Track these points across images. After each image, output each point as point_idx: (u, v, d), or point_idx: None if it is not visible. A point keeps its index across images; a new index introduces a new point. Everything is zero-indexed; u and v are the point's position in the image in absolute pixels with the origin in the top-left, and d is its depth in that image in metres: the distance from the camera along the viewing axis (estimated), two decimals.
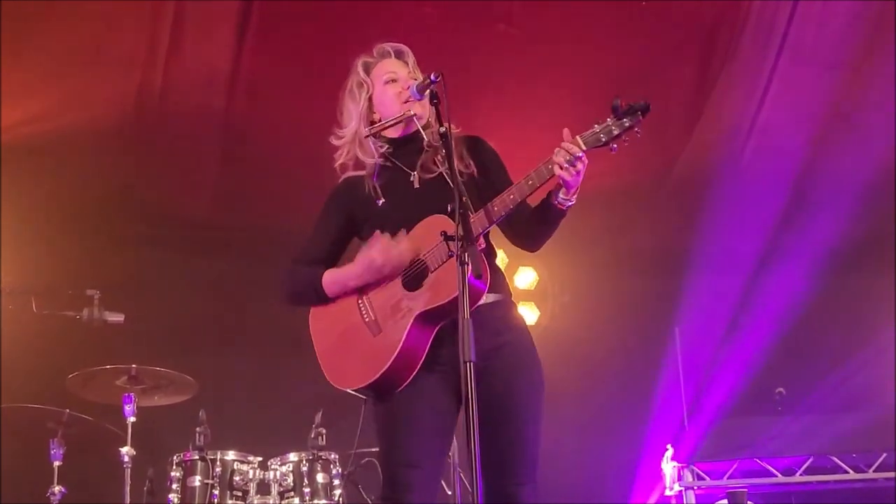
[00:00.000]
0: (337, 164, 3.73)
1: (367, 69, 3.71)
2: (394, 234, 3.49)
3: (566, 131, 3.35)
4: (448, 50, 6.26)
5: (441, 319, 3.37)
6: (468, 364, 2.92)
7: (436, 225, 3.38)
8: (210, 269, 7.58)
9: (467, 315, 2.99)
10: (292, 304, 3.66)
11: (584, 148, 3.32)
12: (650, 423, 7.97)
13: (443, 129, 3.31)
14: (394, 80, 3.64)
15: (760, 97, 7.13)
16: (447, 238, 3.22)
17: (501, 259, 7.90)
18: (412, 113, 3.58)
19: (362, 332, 3.47)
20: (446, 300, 3.30)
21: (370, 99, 3.68)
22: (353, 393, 3.50)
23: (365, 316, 3.48)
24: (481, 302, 3.33)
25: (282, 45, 6.76)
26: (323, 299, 3.55)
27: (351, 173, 3.70)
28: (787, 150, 7.39)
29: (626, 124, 3.31)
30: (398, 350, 3.35)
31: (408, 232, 3.48)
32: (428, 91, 3.40)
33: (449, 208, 3.14)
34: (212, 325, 7.45)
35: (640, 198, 7.83)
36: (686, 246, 7.95)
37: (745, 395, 7.85)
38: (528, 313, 8.11)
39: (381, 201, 3.58)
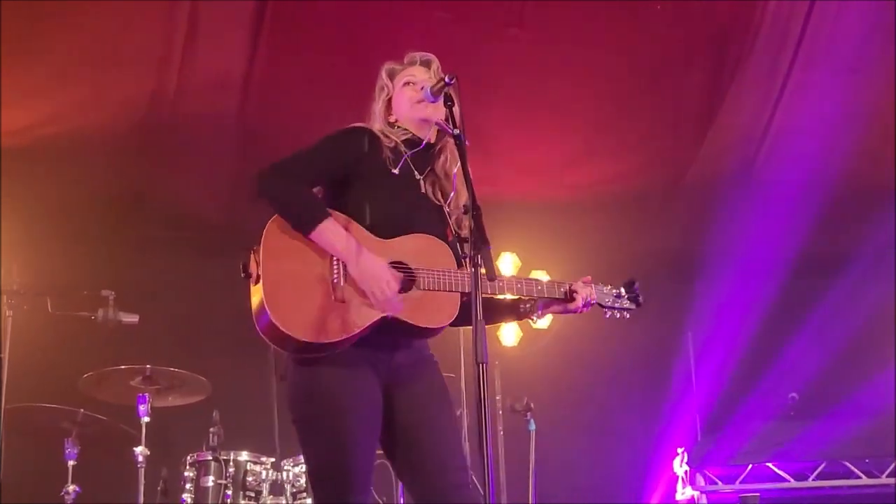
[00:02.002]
0: None
1: (392, 75, 3.71)
2: (393, 210, 3.45)
3: (589, 278, 3.66)
4: (459, 53, 6.26)
5: (399, 329, 3.35)
6: (482, 365, 2.93)
7: (436, 249, 3.43)
8: (224, 270, 7.56)
9: (481, 317, 3.00)
10: (266, 200, 3.41)
11: (596, 302, 3.65)
12: (662, 427, 7.96)
13: (456, 132, 3.32)
14: (411, 83, 3.64)
15: (774, 101, 7.12)
16: (461, 240, 3.24)
17: (514, 262, 7.94)
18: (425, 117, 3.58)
19: (324, 288, 3.31)
20: (420, 324, 3.35)
21: (388, 101, 3.69)
22: (264, 336, 3.33)
23: (335, 275, 3.33)
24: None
25: (296, 48, 6.78)
26: (302, 229, 3.33)
27: (366, 125, 3.62)
28: (802, 155, 7.37)
29: (626, 306, 3.72)
30: (353, 333, 3.28)
31: (406, 220, 3.45)
32: (442, 94, 3.40)
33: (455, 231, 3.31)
34: (226, 327, 7.43)
35: (653, 202, 7.82)
36: (699, 251, 7.95)
37: (758, 399, 7.83)
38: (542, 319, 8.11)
39: (396, 172, 3.51)
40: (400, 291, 3.34)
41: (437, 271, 3.39)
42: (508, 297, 3.63)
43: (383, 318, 3.31)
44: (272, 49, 6.75)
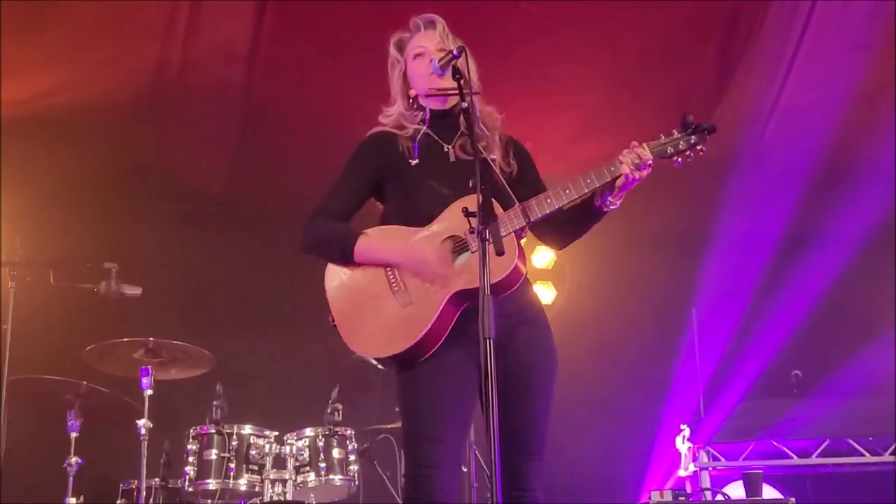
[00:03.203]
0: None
1: (401, 46, 3.69)
2: (424, 198, 3.47)
3: (634, 143, 3.47)
4: (469, 26, 6.19)
5: (473, 300, 3.33)
6: (488, 341, 2.93)
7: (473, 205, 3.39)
8: (228, 243, 7.58)
9: (488, 292, 2.98)
10: (312, 254, 3.56)
11: (652, 156, 3.45)
12: (666, 404, 7.96)
13: (464, 105, 3.31)
14: (421, 55, 3.61)
15: (783, 78, 7.06)
16: (469, 214, 3.21)
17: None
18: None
19: (390, 301, 3.41)
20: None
21: (404, 75, 3.67)
22: (371, 361, 3.48)
23: (394, 286, 3.42)
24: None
25: (301, 20, 6.72)
26: (348, 259, 3.47)
27: (379, 128, 3.67)
28: (810, 132, 7.32)
29: (693, 141, 3.49)
30: (431, 323, 3.33)
31: (438, 202, 3.46)
32: (450, 68, 3.38)
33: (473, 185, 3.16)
34: (229, 300, 7.46)
35: (659, 178, 7.76)
36: (704, 228, 7.92)
37: (762, 377, 7.83)
38: (545, 293, 8.09)
39: (416, 162, 3.53)
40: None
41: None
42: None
43: (451, 297, 3.34)
44: (278, 20, 6.70)
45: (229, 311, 7.39)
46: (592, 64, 6.97)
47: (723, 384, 7.92)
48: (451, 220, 3.42)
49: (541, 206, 3.43)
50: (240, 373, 6.60)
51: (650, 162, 3.43)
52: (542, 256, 8.18)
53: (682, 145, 3.47)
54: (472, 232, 3.28)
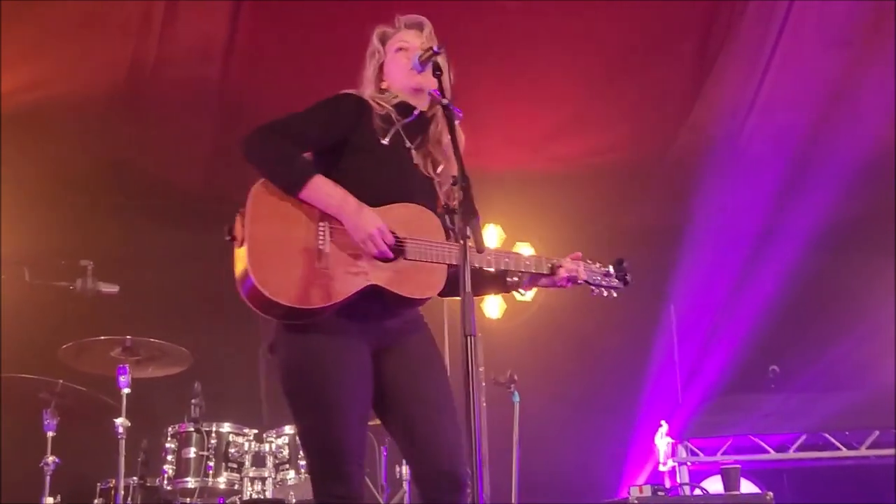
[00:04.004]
0: None
1: (384, 39, 3.65)
2: (383, 182, 3.40)
3: (579, 254, 3.66)
4: (446, 22, 6.18)
5: (383, 298, 3.31)
6: (469, 338, 2.89)
7: (425, 220, 3.39)
8: (205, 240, 7.51)
9: (469, 289, 2.96)
10: (252, 163, 3.35)
11: (585, 278, 3.63)
12: (644, 399, 7.99)
13: (445, 101, 3.29)
14: (404, 50, 3.58)
15: (761, 75, 7.09)
16: (449, 210, 3.19)
17: (499, 234, 7.91)
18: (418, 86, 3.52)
19: (309, 253, 3.26)
20: (404, 294, 3.31)
21: (380, 67, 3.63)
22: (247, 302, 3.29)
23: (320, 241, 3.28)
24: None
25: (278, 15, 6.70)
26: (296, 187, 3.28)
27: (359, 93, 3.54)
28: (787, 128, 7.37)
29: (613, 284, 3.71)
30: (337, 301, 3.24)
31: (394, 191, 3.40)
32: (430, 63, 3.36)
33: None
34: (207, 297, 7.40)
35: (638, 174, 7.81)
36: (682, 223, 7.96)
37: (740, 372, 7.87)
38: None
39: (386, 142, 3.45)
40: (387, 261, 3.30)
41: (426, 241, 3.35)
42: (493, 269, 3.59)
43: (367, 287, 3.28)
44: (254, 18, 6.67)
45: (207, 308, 7.34)
46: (570, 61, 6.97)
47: (701, 379, 7.96)
48: (401, 217, 3.36)
49: (479, 260, 3.40)
50: (218, 371, 6.56)
51: (580, 282, 3.62)
52: (522, 252, 8.18)
53: (603, 282, 3.68)
54: (452, 229, 3.24)
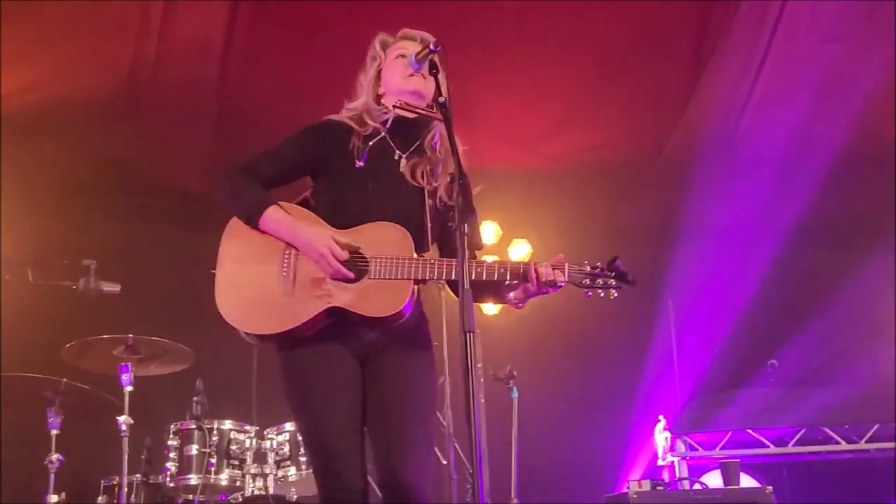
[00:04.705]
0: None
1: (385, 45, 3.71)
2: (355, 205, 3.48)
3: (561, 256, 3.45)
4: (443, 21, 6.21)
5: (347, 319, 3.39)
6: (468, 334, 2.94)
7: (394, 237, 3.42)
8: (206, 238, 7.55)
9: (467, 285, 3.01)
10: (220, 202, 3.57)
11: (566, 280, 3.42)
12: (643, 394, 8.02)
13: (442, 99, 3.32)
14: (403, 56, 3.63)
15: (756, 71, 7.11)
16: (447, 208, 3.24)
17: (496, 231, 7.94)
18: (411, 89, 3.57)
19: (273, 282, 3.43)
20: (363, 313, 3.37)
21: (379, 72, 3.69)
22: (240, 332, 3.45)
23: (284, 268, 3.43)
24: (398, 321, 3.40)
25: (276, 15, 6.71)
26: (252, 223, 3.47)
27: (336, 117, 3.66)
28: (782, 124, 7.38)
29: (611, 283, 3.45)
30: (299, 324, 3.37)
31: (367, 212, 3.46)
32: (427, 61, 3.40)
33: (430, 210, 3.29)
34: (208, 296, 7.42)
35: (635, 171, 7.83)
36: (680, 219, 7.97)
37: (738, 366, 7.89)
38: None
39: (360, 165, 3.54)
40: (353, 281, 3.39)
41: (391, 259, 3.40)
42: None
43: (329, 309, 3.38)
44: (253, 16, 6.69)
45: (209, 307, 7.35)
46: (566, 60, 6.99)
47: (699, 374, 7.98)
48: (370, 237, 3.44)
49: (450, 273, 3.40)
50: (220, 368, 6.59)
51: (561, 284, 3.42)
52: (519, 250, 8.22)
53: (599, 282, 3.44)
54: (453, 227, 3.28)
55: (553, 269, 3.40)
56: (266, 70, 7.04)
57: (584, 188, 7.86)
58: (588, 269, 3.45)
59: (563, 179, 7.75)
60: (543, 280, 3.38)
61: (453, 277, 3.33)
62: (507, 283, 3.44)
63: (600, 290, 3.46)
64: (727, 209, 7.93)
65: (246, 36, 6.80)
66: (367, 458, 3.44)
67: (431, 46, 3.40)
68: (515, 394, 6.30)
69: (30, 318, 6.59)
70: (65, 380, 5.60)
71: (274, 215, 3.45)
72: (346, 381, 3.44)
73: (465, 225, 3.08)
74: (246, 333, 3.43)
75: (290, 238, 3.43)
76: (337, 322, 3.40)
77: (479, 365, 6.86)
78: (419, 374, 3.53)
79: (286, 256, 3.44)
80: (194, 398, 5.73)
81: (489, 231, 7.78)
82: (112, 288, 5.78)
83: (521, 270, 3.40)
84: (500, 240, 8.02)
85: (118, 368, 5.55)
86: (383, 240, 3.43)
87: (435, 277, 3.40)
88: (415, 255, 3.40)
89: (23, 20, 6.38)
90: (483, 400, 6.74)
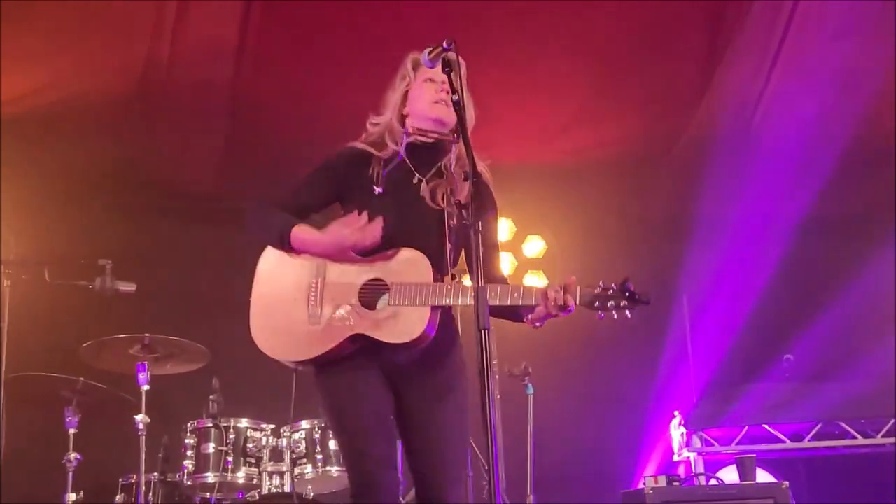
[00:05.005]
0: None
1: (416, 66, 3.71)
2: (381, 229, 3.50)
3: (573, 279, 3.40)
4: (456, 16, 6.22)
5: (375, 344, 3.46)
6: (484, 332, 2.96)
7: (414, 263, 3.47)
8: (220, 238, 7.59)
9: (482, 283, 3.02)
10: (252, 236, 3.66)
11: (577, 303, 3.38)
12: (659, 390, 8.00)
13: (455, 98, 3.31)
14: (432, 81, 3.65)
15: (770, 65, 7.10)
16: (461, 206, 3.26)
17: (510, 228, 7.94)
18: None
19: (301, 311, 3.52)
20: (383, 339, 3.44)
21: (406, 93, 3.71)
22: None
23: (311, 299, 3.52)
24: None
25: (289, 17, 6.72)
26: (284, 242, 3.54)
27: (357, 144, 3.71)
28: (796, 119, 7.37)
29: (623, 305, 3.37)
30: (326, 351, 3.47)
31: (386, 238, 3.50)
32: (440, 60, 3.38)
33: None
34: (224, 294, 7.45)
35: (649, 166, 7.83)
36: (695, 214, 7.96)
37: (754, 361, 7.87)
38: (537, 282, 8.12)
39: (379, 191, 3.59)
40: (370, 308, 3.47)
41: (410, 285, 3.44)
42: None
43: (353, 336, 3.45)
44: (266, 18, 6.70)
45: (224, 305, 7.38)
46: (579, 54, 6.99)
47: (714, 369, 7.97)
48: (390, 264, 3.50)
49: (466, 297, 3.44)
50: (236, 367, 6.61)
51: (570, 308, 3.38)
52: (533, 246, 8.22)
53: (610, 304, 3.37)
54: (465, 225, 3.27)
55: (564, 294, 3.36)
56: (279, 71, 7.05)
57: (599, 184, 7.86)
58: (599, 290, 3.38)
59: (578, 174, 7.75)
60: (553, 305, 3.36)
61: (469, 303, 3.35)
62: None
63: (614, 312, 3.39)
64: (740, 205, 7.91)
65: (259, 37, 6.81)
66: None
67: (444, 44, 3.37)
68: (531, 390, 6.32)
69: (47, 317, 6.64)
70: (82, 379, 5.64)
71: (300, 234, 3.52)
72: (378, 402, 3.55)
73: (479, 223, 3.10)
74: (273, 357, 3.56)
75: (321, 247, 3.50)
76: (365, 346, 3.47)
77: (494, 362, 6.87)
78: (453, 398, 3.61)
79: (313, 288, 3.52)
80: (210, 396, 5.76)
81: (503, 228, 7.78)
82: (128, 287, 5.81)
83: (535, 297, 3.41)
84: (514, 236, 8.02)
85: (135, 367, 5.58)
86: (403, 266, 3.48)
87: (452, 302, 3.44)
88: (433, 280, 3.44)
89: (37, 21, 6.41)
90: (499, 397, 6.75)
